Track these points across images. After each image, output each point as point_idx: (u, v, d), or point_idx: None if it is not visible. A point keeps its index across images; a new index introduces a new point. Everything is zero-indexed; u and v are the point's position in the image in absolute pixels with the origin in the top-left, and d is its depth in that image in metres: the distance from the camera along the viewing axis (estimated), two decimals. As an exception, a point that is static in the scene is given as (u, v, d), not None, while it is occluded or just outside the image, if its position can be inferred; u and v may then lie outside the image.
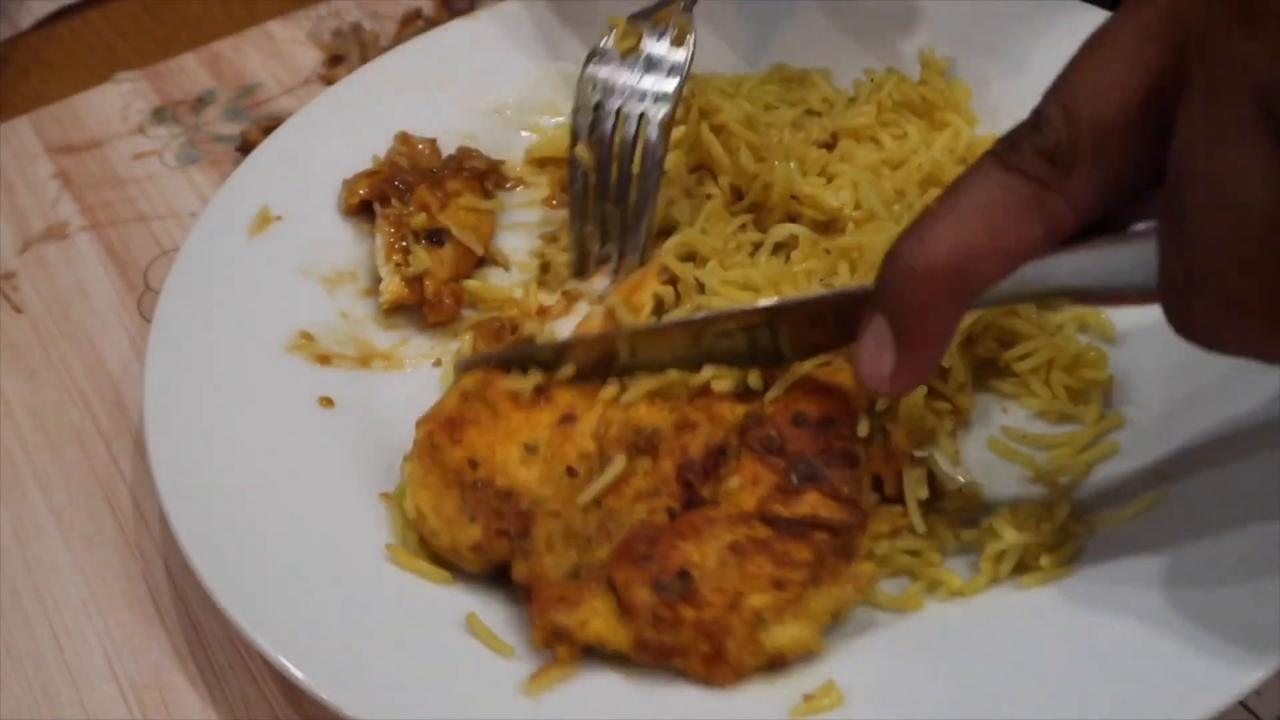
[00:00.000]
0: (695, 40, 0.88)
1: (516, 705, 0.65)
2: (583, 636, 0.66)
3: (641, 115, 0.87)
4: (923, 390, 0.76)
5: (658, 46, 0.88)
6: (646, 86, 0.87)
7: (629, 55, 0.88)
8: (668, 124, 0.86)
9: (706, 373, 0.74)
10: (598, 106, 0.88)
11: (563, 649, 0.66)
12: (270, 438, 0.77)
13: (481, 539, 0.70)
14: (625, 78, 0.88)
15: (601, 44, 0.89)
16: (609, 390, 0.76)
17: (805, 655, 0.66)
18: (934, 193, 0.86)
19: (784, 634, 0.66)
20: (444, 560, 0.72)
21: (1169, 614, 0.65)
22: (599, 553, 0.69)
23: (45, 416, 0.88)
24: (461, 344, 0.86)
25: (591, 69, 0.88)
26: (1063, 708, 0.62)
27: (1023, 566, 0.70)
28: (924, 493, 0.72)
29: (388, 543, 0.72)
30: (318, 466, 0.76)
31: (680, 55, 0.87)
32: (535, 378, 0.75)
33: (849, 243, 0.81)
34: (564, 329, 0.85)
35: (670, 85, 0.87)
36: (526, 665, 0.67)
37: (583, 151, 0.88)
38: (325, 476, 0.76)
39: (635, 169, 0.86)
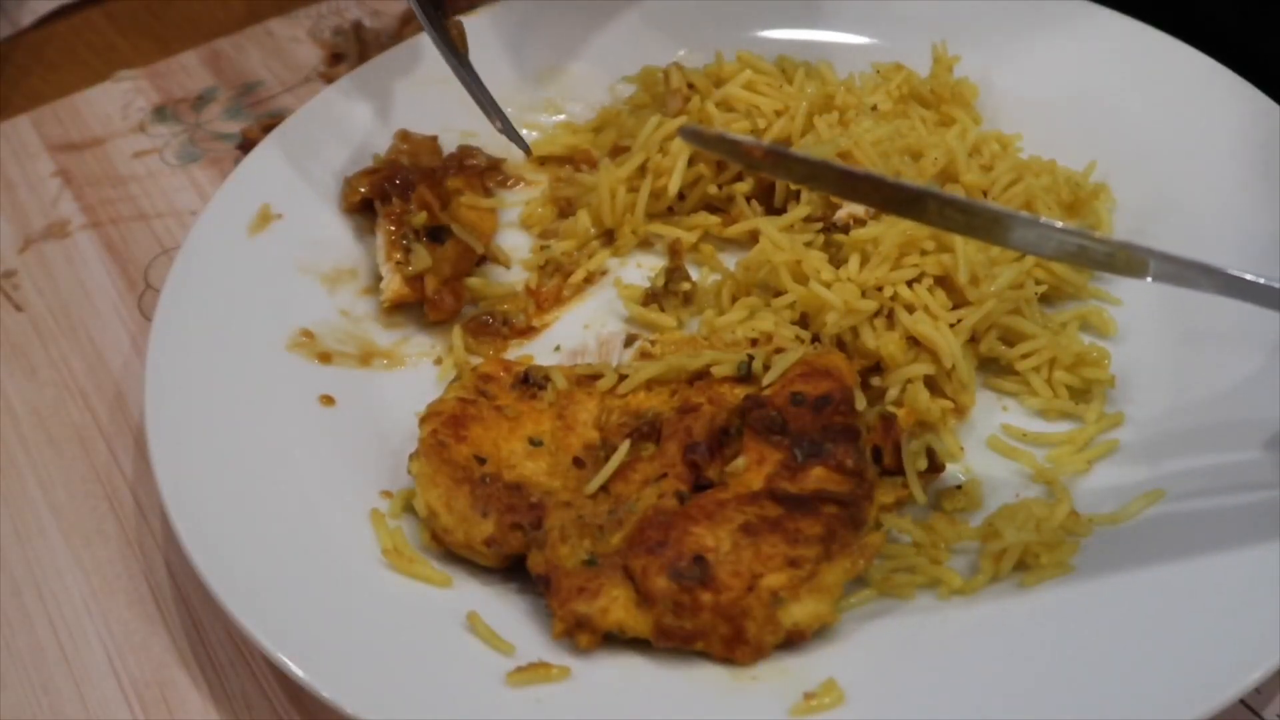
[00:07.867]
0: None
1: (516, 703, 0.65)
2: (604, 625, 0.67)
3: None
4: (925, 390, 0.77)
5: None
6: None
7: None
8: None
9: (706, 356, 0.76)
10: None
11: (584, 637, 0.67)
12: (271, 435, 0.77)
13: (495, 533, 0.71)
14: None
15: None
16: (606, 380, 0.77)
17: (822, 629, 0.67)
18: (952, 188, 0.87)
19: (801, 610, 0.67)
20: (457, 556, 0.72)
21: (1168, 613, 0.65)
22: (613, 540, 0.69)
23: (46, 414, 0.88)
24: (453, 340, 0.86)
25: None
26: (1063, 707, 0.62)
27: (1023, 565, 0.70)
28: (923, 464, 0.73)
29: (383, 547, 0.72)
30: (319, 464, 0.76)
31: None
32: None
33: (865, 235, 0.81)
34: (559, 317, 0.88)
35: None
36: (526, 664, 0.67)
37: None
38: (326, 474, 0.76)
39: None
